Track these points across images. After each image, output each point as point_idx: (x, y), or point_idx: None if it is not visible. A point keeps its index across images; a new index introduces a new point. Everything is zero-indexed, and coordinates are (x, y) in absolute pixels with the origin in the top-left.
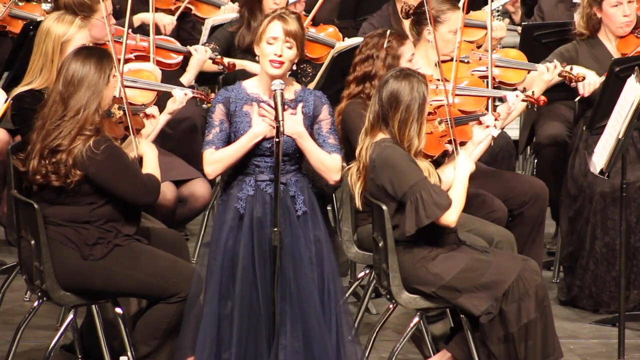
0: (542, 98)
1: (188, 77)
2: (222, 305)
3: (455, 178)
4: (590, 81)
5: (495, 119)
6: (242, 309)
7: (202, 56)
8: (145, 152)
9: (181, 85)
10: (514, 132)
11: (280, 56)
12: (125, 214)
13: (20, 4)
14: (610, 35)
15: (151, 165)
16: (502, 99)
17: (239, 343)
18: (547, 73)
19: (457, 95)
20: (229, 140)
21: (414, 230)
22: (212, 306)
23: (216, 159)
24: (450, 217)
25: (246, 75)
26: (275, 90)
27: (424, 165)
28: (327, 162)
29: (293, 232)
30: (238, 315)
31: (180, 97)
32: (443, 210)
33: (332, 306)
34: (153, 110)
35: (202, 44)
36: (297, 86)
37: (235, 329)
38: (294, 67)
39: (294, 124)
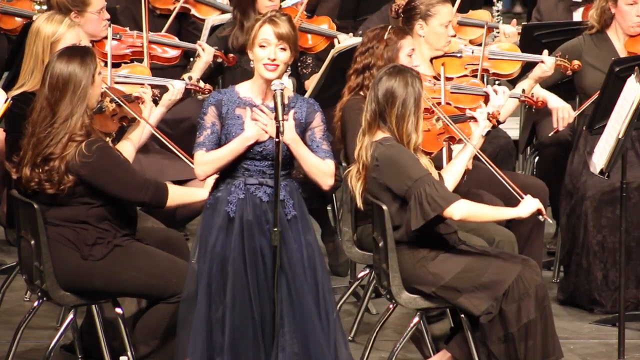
0: (541, 99)
1: (193, 77)
2: (213, 309)
3: (498, 209)
4: (563, 115)
5: (494, 116)
6: (233, 312)
7: (208, 57)
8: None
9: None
10: (514, 132)
11: (274, 60)
12: (122, 213)
13: None
14: (620, 32)
15: (187, 190)
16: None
17: (231, 347)
18: (541, 70)
19: (453, 93)
20: (219, 143)
21: (421, 224)
22: (202, 310)
23: (206, 161)
24: (454, 210)
25: (245, 73)
26: (275, 90)
27: (424, 161)
28: (321, 166)
29: (284, 235)
30: (230, 319)
31: (174, 89)
32: (448, 203)
33: (328, 310)
34: (143, 92)
35: None
36: (290, 92)
37: (227, 333)
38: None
39: (287, 130)
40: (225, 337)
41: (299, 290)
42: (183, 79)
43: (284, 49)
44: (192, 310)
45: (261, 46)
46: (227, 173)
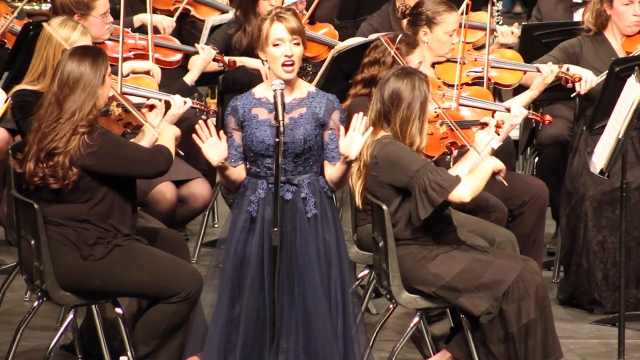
0: (548, 118)
1: (191, 77)
2: (231, 307)
3: (479, 164)
4: (587, 79)
5: (498, 126)
6: (249, 311)
7: (207, 56)
8: (163, 130)
9: (184, 83)
10: (514, 132)
11: (291, 56)
12: (123, 213)
13: (31, 6)
14: (617, 33)
15: (165, 140)
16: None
17: (244, 345)
18: (546, 76)
19: (461, 105)
20: (242, 152)
21: (430, 211)
22: (222, 308)
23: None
24: (462, 192)
25: (246, 73)
26: (275, 90)
27: None
28: (347, 177)
29: (302, 234)
30: (245, 317)
31: (179, 105)
32: (453, 186)
33: (340, 311)
34: (154, 101)
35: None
36: (310, 87)
37: (242, 330)
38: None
39: (355, 149)
40: (240, 334)
41: (311, 291)
42: (190, 86)
43: (297, 44)
44: (209, 308)
45: (275, 45)
46: (253, 173)
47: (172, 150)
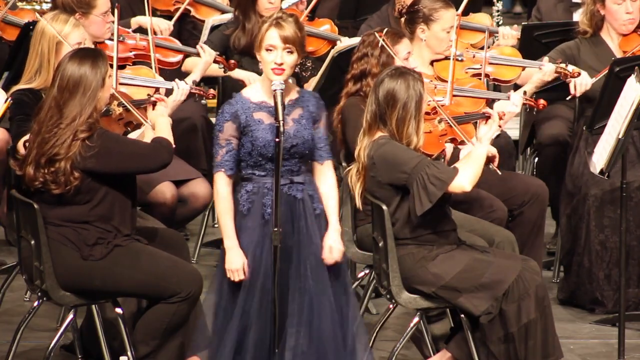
0: (542, 102)
1: (193, 78)
2: (240, 309)
3: (472, 151)
4: (582, 81)
5: (500, 118)
6: (260, 312)
7: (209, 58)
8: (157, 120)
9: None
10: (514, 132)
11: (282, 64)
12: (123, 213)
13: (31, 6)
14: (613, 33)
15: (163, 131)
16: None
17: (254, 346)
18: (542, 73)
19: (455, 96)
20: (238, 158)
21: (429, 206)
22: (236, 310)
23: (218, 208)
24: (461, 182)
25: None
26: (275, 90)
27: None
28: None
29: (312, 231)
30: (256, 319)
31: (179, 90)
32: (451, 178)
33: (346, 306)
34: (160, 96)
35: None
36: (295, 86)
37: (252, 332)
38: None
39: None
40: (250, 335)
41: (319, 287)
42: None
43: (290, 52)
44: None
45: (267, 50)
46: (257, 175)
47: (171, 139)
